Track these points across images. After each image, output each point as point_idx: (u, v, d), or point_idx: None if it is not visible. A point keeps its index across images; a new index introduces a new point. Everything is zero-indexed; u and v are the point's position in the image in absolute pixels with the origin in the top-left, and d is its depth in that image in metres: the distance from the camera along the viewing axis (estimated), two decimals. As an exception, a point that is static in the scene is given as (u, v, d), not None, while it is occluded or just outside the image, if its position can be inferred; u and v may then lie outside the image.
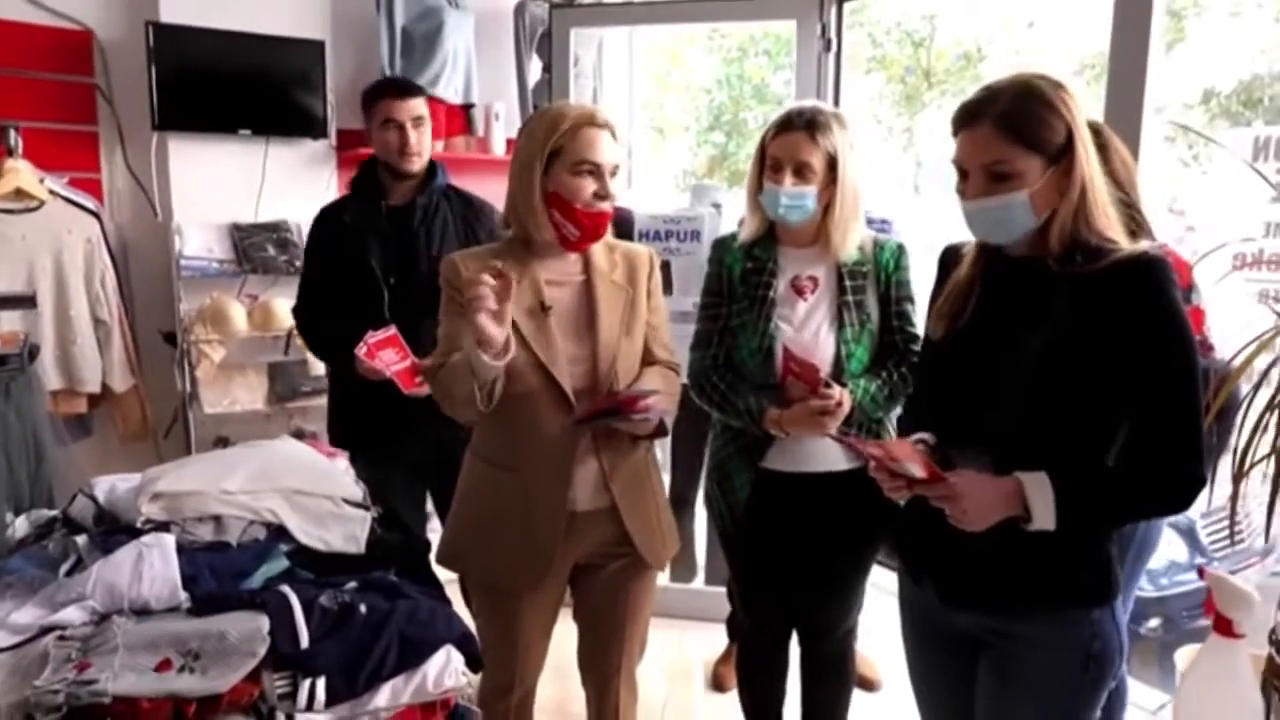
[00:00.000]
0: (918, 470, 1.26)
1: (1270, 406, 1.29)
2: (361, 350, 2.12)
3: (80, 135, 3.23)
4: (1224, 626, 1.11)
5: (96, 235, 3.01)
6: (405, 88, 2.36)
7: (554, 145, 1.61)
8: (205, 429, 3.25)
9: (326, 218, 2.42)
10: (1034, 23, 7.05)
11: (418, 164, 2.33)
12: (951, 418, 1.34)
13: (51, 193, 2.94)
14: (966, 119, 1.28)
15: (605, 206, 1.63)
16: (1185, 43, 6.37)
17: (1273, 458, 1.27)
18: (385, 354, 2.14)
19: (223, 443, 3.21)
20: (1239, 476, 1.29)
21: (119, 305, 3.10)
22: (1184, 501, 1.26)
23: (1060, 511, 1.22)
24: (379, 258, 2.30)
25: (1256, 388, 1.34)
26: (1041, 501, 1.22)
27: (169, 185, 3.29)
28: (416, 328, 2.20)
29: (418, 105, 2.32)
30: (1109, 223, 1.28)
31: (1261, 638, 1.33)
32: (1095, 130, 1.84)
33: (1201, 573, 1.17)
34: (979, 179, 1.28)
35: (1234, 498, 1.31)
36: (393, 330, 2.19)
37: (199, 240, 3.25)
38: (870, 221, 2.09)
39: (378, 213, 2.34)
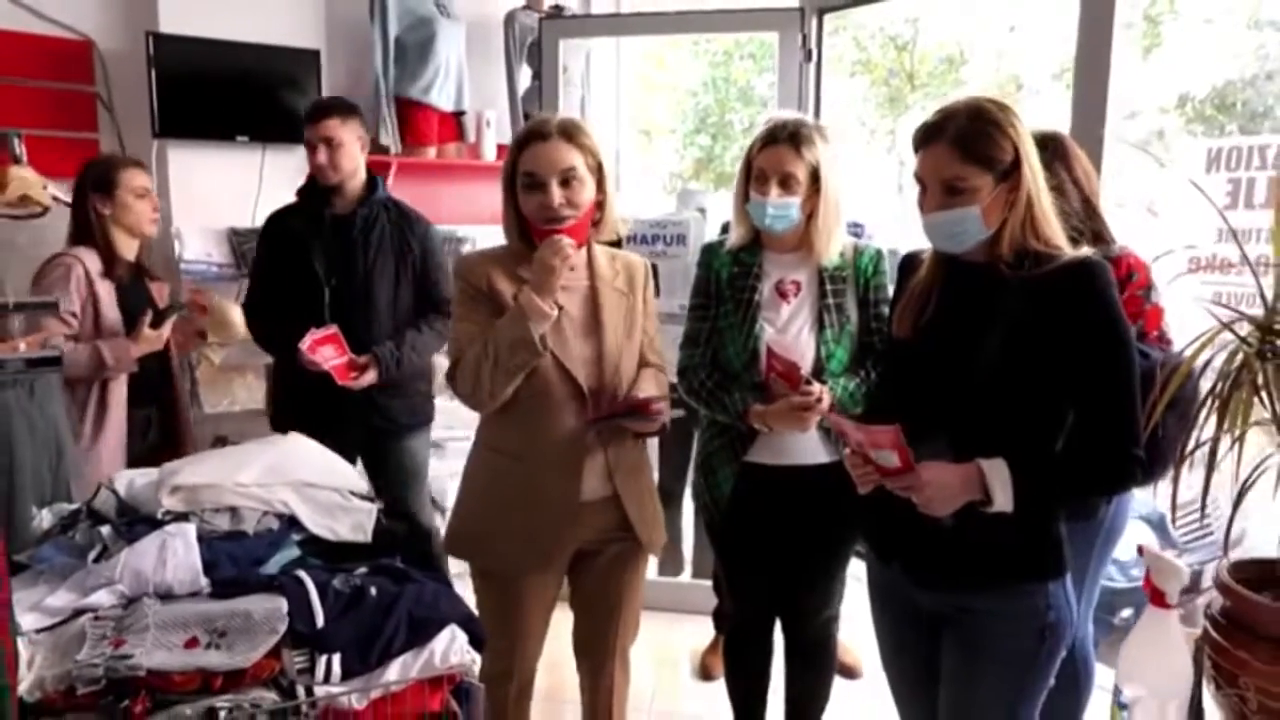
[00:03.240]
0: (894, 459, 1.36)
1: (1211, 394, 1.40)
2: (305, 344, 2.35)
3: (81, 143, 3.30)
4: (1158, 599, 1.23)
5: (99, 240, 3.07)
6: (315, 112, 2.58)
7: (514, 165, 1.72)
8: (205, 428, 3.33)
9: (274, 223, 2.64)
10: (1015, 26, 7.17)
11: (333, 178, 2.56)
12: (914, 410, 1.45)
13: (55, 199, 3.00)
14: (925, 138, 1.40)
15: (564, 217, 1.68)
16: (1162, 47, 6.50)
17: (1210, 445, 1.38)
18: (325, 350, 2.39)
19: (222, 442, 3.28)
20: (1179, 464, 1.40)
21: (120, 308, 3.16)
22: (1124, 480, 1.39)
23: (1017, 494, 1.32)
24: (321, 261, 2.53)
25: (1196, 381, 1.45)
26: (1000, 485, 1.32)
27: (168, 191, 3.37)
28: (353, 326, 2.49)
29: (327, 127, 2.53)
30: (1053, 231, 1.40)
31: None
32: (1058, 141, 1.95)
33: (1141, 550, 1.28)
34: (936, 193, 1.39)
35: (1175, 481, 1.41)
36: (334, 329, 2.42)
37: (198, 245, 3.33)
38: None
39: (322, 220, 2.57)
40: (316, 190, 2.60)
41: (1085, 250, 1.40)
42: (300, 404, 2.54)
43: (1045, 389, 1.37)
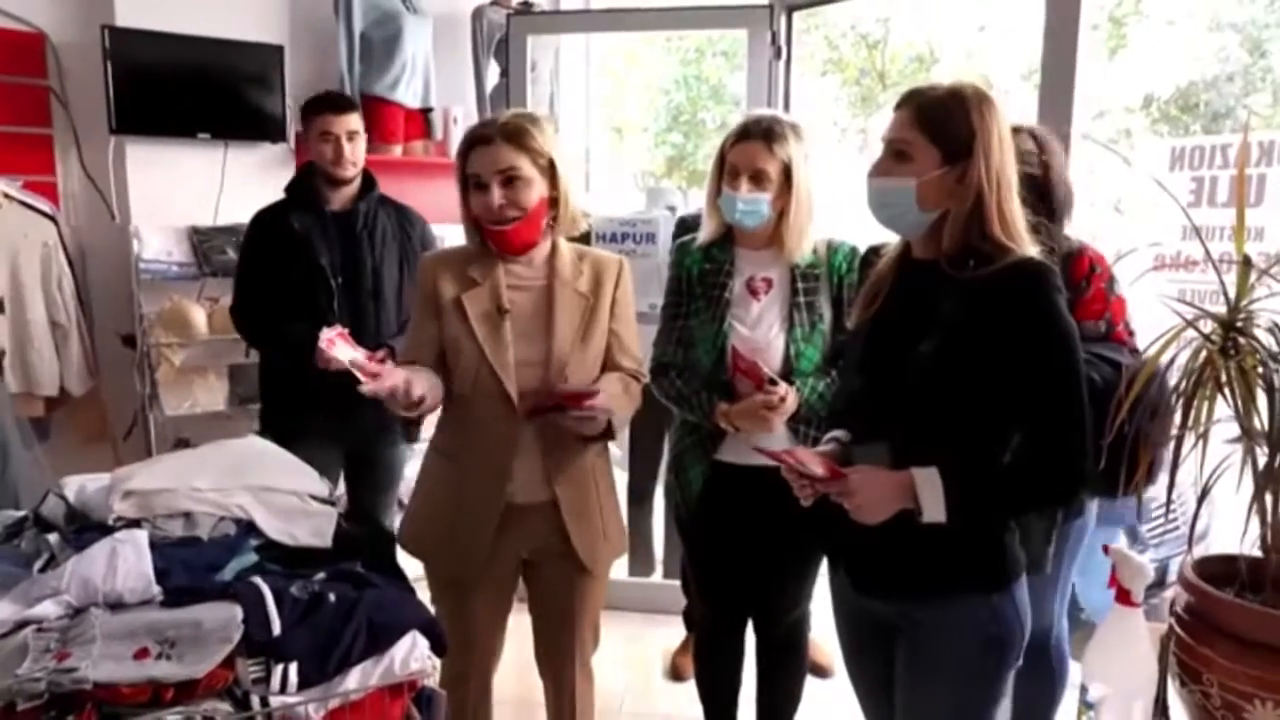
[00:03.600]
0: (819, 469, 1.33)
1: (1175, 392, 1.39)
2: (323, 343, 2.26)
3: (34, 138, 3.22)
4: (1124, 597, 1.22)
5: (53, 239, 3.01)
6: (341, 104, 2.58)
7: (464, 166, 1.73)
8: (165, 431, 3.26)
9: (269, 221, 2.59)
10: (985, 26, 7.22)
11: (351, 171, 2.56)
12: (856, 412, 1.42)
13: (6, 196, 2.93)
14: (900, 101, 1.37)
15: (508, 216, 1.70)
16: (1127, 49, 6.58)
17: (1174, 442, 1.38)
18: (341, 347, 2.30)
19: (183, 444, 3.22)
20: (1150, 469, 1.39)
21: (76, 309, 3.09)
22: (1068, 495, 1.33)
23: (950, 505, 1.27)
24: (327, 258, 2.50)
25: (1163, 380, 1.45)
26: (930, 495, 1.27)
27: (126, 189, 3.30)
28: (363, 322, 2.49)
29: (352, 120, 2.55)
30: (1010, 230, 1.32)
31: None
32: (1031, 138, 1.94)
33: (1106, 549, 1.27)
34: (885, 155, 1.36)
35: (1145, 480, 1.40)
36: (339, 328, 2.34)
37: (158, 243, 3.26)
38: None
39: (323, 218, 2.54)
40: (310, 186, 2.56)
41: (1033, 250, 1.32)
42: (303, 403, 2.48)
43: (982, 397, 1.31)
